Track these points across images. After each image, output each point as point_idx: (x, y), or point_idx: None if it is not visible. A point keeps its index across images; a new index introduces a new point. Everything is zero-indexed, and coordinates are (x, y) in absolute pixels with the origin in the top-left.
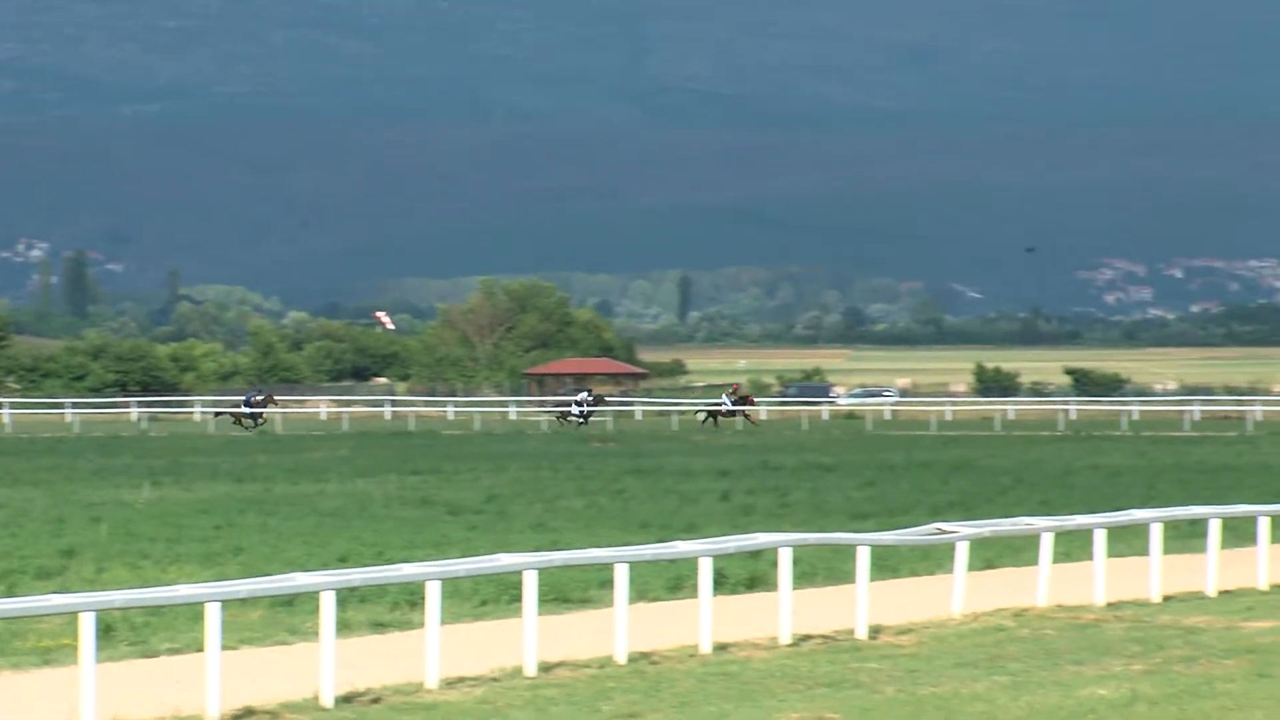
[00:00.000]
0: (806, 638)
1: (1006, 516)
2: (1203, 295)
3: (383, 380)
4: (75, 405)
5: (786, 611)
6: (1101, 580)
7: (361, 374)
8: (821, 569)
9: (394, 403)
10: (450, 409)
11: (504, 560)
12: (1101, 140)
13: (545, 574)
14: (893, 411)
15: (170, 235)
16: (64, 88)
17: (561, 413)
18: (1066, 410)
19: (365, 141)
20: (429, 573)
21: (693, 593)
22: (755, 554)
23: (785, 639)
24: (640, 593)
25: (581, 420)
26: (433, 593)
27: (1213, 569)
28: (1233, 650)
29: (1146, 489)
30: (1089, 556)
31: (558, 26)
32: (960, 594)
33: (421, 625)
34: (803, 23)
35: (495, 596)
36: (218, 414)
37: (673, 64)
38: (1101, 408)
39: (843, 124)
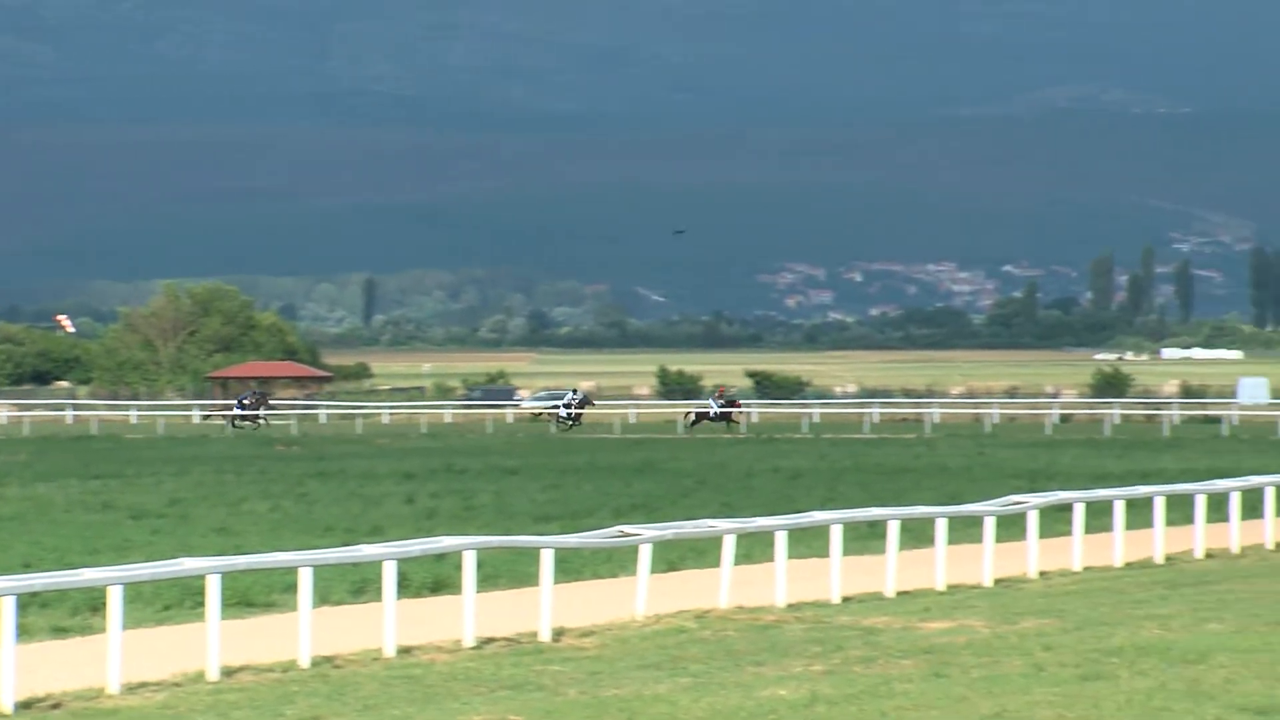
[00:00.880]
0: (490, 640)
1: (689, 519)
2: (881, 299)
3: (64, 384)
4: None
5: (470, 614)
6: (783, 582)
7: (43, 378)
8: (505, 572)
9: (76, 407)
10: (133, 413)
11: (187, 564)
12: (782, 143)
13: (228, 578)
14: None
15: None
16: None
17: (556, 414)
18: (748, 413)
19: (44, 142)
20: (111, 577)
21: (377, 596)
22: (440, 557)
23: (469, 642)
24: (324, 596)
25: (572, 421)
26: (115, 598)
27: (891, 570)
28: (910, 650)
29: (827, 491)
30: (770, 558)
31: (240, 28)
32: (643, 596)
33: (104, 630)
34: (485, 25)
35: (178, 601)
36: (206, 416)
37: (355, 66)
38: (783, 410)
39: (525, 126)
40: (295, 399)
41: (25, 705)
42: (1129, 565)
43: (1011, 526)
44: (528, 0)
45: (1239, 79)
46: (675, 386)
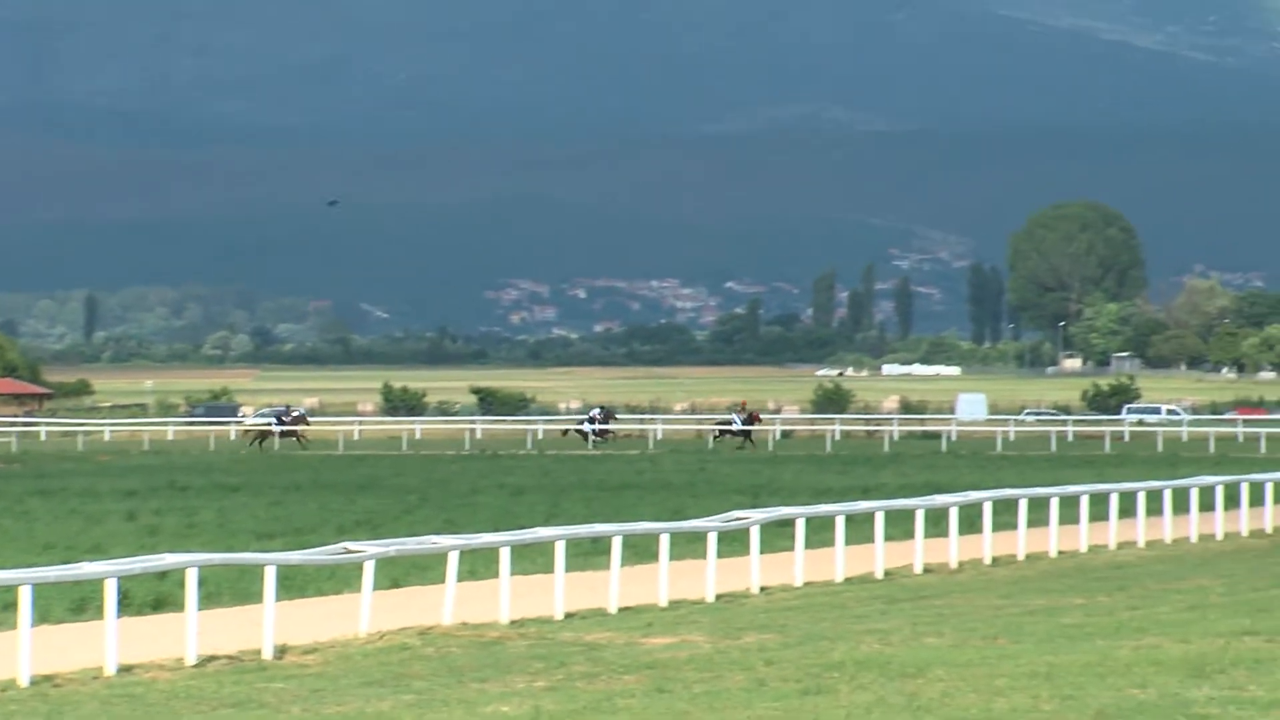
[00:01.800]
0: (213, 658)
1: (413, 535)
2: (605, 315)
3: None
4: None
5: (193, 632)
6: (507, 598)
7: None
8: (228, 589)
9: None
10: None
11: None
12: (507, 160)
13: None
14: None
15: None
16: None
17: (581, 431)
18: (473, 429)
19: None
20: None
21: (98, 614)
22: (162, 574)
23: (191, 660)
24: (44, 615)
25: (599, 438)
26: None
27: (615, 586)
28: (633, 666)
29: (550, 507)
30: (495, 574)
31: None
32: (367, 613)
33: None
34: (205, 39)
35: None
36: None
37: (75, 78)
38: (507, 427)
39: (246, 140)
40: (15, 416)
41: None
42: (850, 580)
43: (734, 542)
44: (249, 13)
45: (958, 99)
46: (400, 403)
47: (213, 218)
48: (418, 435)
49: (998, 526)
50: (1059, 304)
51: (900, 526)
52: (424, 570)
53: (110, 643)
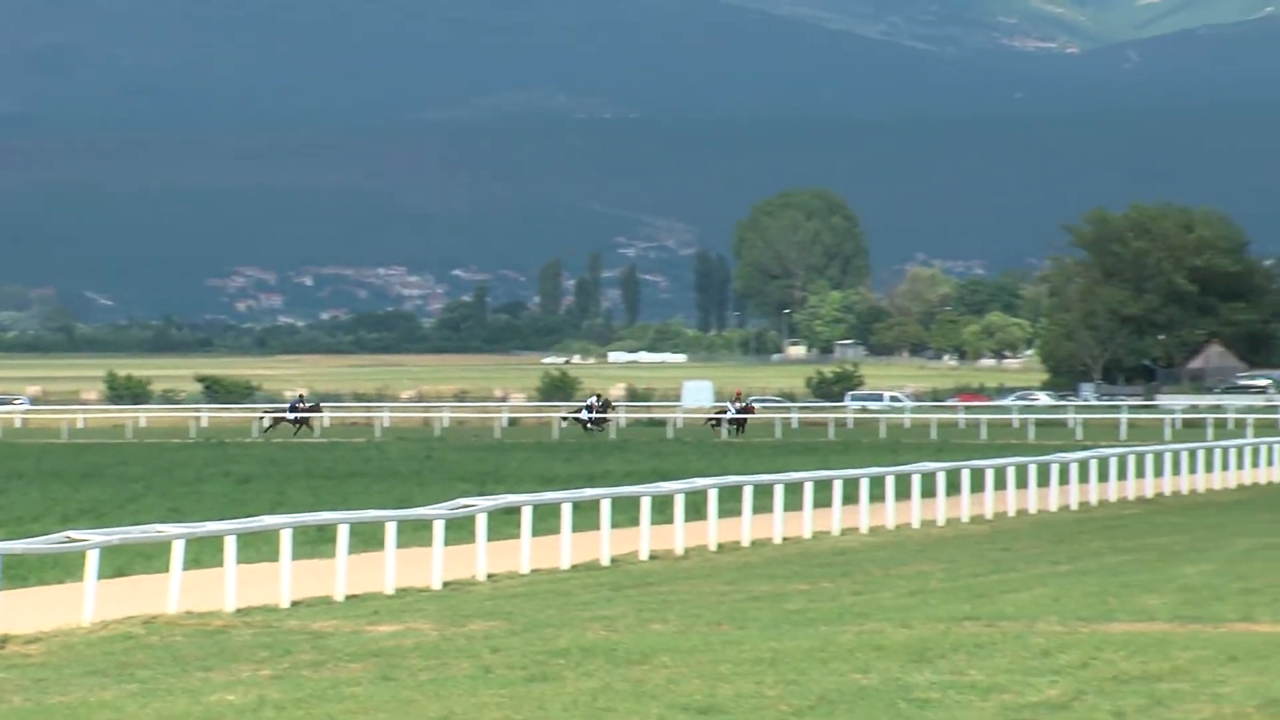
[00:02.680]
0: None
1: (138, 524)
2: (332, 303)
3: None
4: None
5: None
6: (233, 586)
7: None
8: None
9: None
10: None
11: None
12: (234, 147)
13: None
14: (23, 420)
15: None
16: None
17: (580, 419)
18: (199, 417)
19: None
20: None
21: None
22: None
23: None
24: None
25: (595, 427)
26: None
27: (341, 574)
28: (359, 654)
29: (277, 495)
30: (220, 563)
31: None
32: (91, 602)
33: None
34: None
35: None
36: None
37: None
38: (233, 414)
39: None
40: None
41: None
42: (576, 567)
43: (460, 530)
44: None
45: (682, 86)
46: (124, 391)
47: None
48: (142, 424)
49: (723, 513)
50: (784, 292)
51: (626, 514)
52: (149, 559)
53: None
